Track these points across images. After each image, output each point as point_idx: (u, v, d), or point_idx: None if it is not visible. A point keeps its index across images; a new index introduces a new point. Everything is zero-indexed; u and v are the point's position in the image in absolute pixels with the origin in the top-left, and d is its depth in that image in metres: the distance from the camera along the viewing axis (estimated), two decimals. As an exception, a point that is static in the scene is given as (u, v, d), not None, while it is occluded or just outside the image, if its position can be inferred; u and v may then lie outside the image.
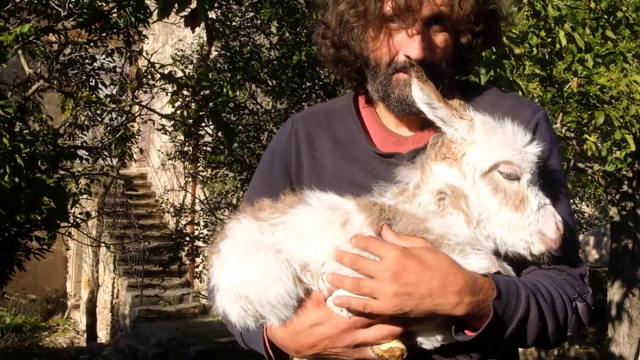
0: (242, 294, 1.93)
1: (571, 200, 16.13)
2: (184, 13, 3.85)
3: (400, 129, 2.29)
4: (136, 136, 12.05)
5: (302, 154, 2.33)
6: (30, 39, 7.02)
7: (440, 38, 2.12)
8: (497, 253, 1.95)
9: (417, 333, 1.94)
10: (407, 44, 2.07)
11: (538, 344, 2.01)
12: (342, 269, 1.88)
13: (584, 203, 17.59)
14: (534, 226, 1.88)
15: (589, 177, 11.53)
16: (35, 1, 8.44)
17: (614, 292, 11.07)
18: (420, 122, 2.18)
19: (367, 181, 2.11)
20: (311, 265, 1.92)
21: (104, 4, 7.50)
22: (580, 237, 18.93)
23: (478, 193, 1.92)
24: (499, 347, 2.05)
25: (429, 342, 1.95)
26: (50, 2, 8.16)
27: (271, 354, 2.05)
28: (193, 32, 4.29)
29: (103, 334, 19.37)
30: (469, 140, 1.96)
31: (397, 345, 1.88)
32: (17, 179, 4.53)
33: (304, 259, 1.91)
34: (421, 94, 1.95)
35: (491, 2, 2.17)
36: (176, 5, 3.40)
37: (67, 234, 9.51)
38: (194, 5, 3.70)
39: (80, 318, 21.10)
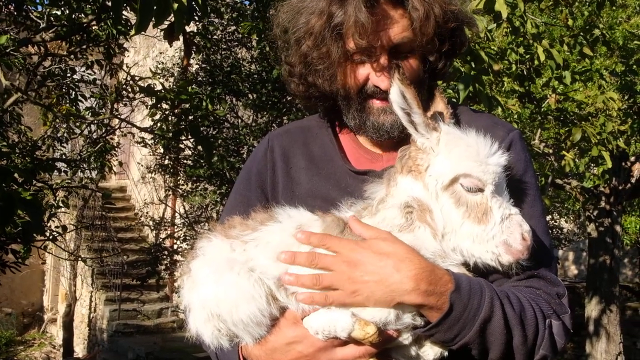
0: (215, 312, 1.91)
1: (550, 216, 16.25)
2: (164, 26, 3.84)
3: (375, 147, 2.31)
4: (116, 149, 11.97)
5: (278, 171, 2.34)
6: (8, 50, 6.96)
7: (408, 63, 2.14)
8: (466, 264, 1.94)
9: (394, 352, 1.93)
10: (375, 76, 2.12)
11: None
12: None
13: (562, 219, 17.71)
14: (498, 238, 1.86)
15: (567, 193, 11.61)
16: (15, 12, 8.38)
17: (592, 309, 11.12)
18: (396, 141, 2.18)
19: (341, 198, 2.10)
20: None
21: (83, 16, 7.46)
22: (560, 252, 19.04)
23: (441, 206, 1.90)
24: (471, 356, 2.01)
25: None
26: (30, 14, 8.12)
27: None
28: (171, 45, 4.27)
29: (80, 349, 19.16)
30: (436, 152, 1.95)
31: None
32: (-10, 192, 4.46)
33: (278, 276, 1.90)
34: (399, 99, 1.93)
35: (452, 19, 2.16)
36: (154, 19, 3.38)
37: (42, 247, 9.39)
38: (172, 18, 3.68)
39: (57, 332, 20.88)
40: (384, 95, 2.12)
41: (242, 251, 1.95)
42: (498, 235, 1.86)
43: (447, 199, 1.90)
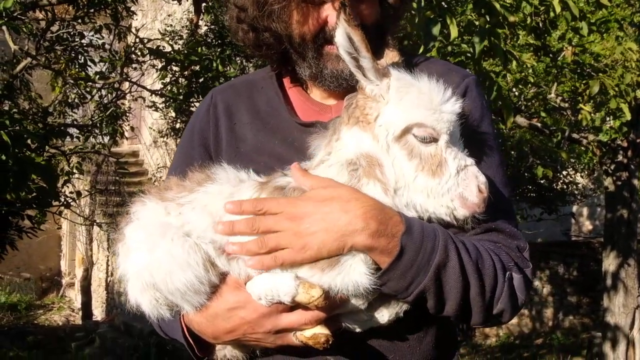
0: (149, 282, 1.79)
1: (565, 172, 16.13)
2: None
3: (326, 99, 2.18)
4: (127, 114, 11.91)
5: (221, 128, 2.21)
6: (15, 14, 6.89)
7: (367, 3, 2.02)
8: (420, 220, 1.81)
9: (344, 317, 1.83)
10: (334, 17, 1.92)
11: (462, 315, 1.84)
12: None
13: (578, 174, 17.58)
14: (454, 191, 1.75)
15: (584, 148, 11.49)
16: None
17: (610, 263, 11.06)
18: (346, 91, 2.02)
19: (288, 153, 2.00)
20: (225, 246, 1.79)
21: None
22: (574, 208, 18.94)
23: (393, 159, 1.77)
24: (430, 319, 1.92)
25: (356, 324, 1.85)
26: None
27: (191, 341, 1.94)
28: (180, 3, 4.18)
29: (98, 312, 19.41)
30: (386, 100, 1.80)
31: (322, 331, 1.76)
32: (3, 157, 4.43)
33: (216, 240, 1.79)
34: (344, 42, 1.76)
35: None
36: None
37: (58, 212, 9.44)
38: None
39: (75, 296, 21.15)
40: None
41: (178, 215, 1.83)
42: (453, 188, 1.75)
43: (399, 150, 1.77)
